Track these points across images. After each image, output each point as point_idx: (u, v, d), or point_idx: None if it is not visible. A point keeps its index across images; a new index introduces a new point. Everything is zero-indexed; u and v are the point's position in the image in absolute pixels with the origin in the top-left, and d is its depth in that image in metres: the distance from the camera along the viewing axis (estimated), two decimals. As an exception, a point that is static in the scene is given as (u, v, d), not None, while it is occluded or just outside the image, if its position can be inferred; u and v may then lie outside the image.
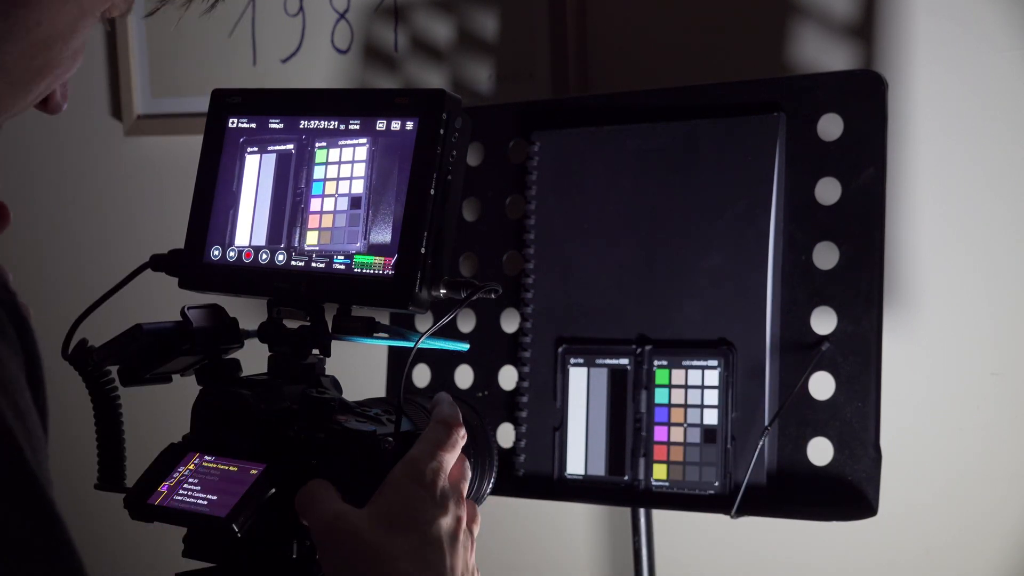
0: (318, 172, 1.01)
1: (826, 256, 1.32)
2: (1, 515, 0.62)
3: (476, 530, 0.97)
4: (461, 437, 0.96)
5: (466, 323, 1.53)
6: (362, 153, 1.00)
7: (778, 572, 1.61)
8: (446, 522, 0.91)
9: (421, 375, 1.55)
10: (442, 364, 1.53)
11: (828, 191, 1.32)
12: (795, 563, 1.59)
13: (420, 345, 0.97)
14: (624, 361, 1.40)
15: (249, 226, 1.03)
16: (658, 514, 1.47)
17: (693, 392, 1.36)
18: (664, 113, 1.41)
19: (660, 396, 1.38)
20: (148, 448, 1.01)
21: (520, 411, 1.46)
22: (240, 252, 1.03)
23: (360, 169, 1.00)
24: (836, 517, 1.30)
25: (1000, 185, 1.44)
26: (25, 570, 0.62)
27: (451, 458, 0.95)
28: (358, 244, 0.98)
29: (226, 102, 1.06)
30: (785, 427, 1.33)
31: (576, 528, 1.75)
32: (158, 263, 1.05)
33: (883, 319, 1.29)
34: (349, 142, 1.01)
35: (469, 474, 0.97)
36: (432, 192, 0.96)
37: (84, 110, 2.17)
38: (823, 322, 1.32)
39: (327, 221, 1.00)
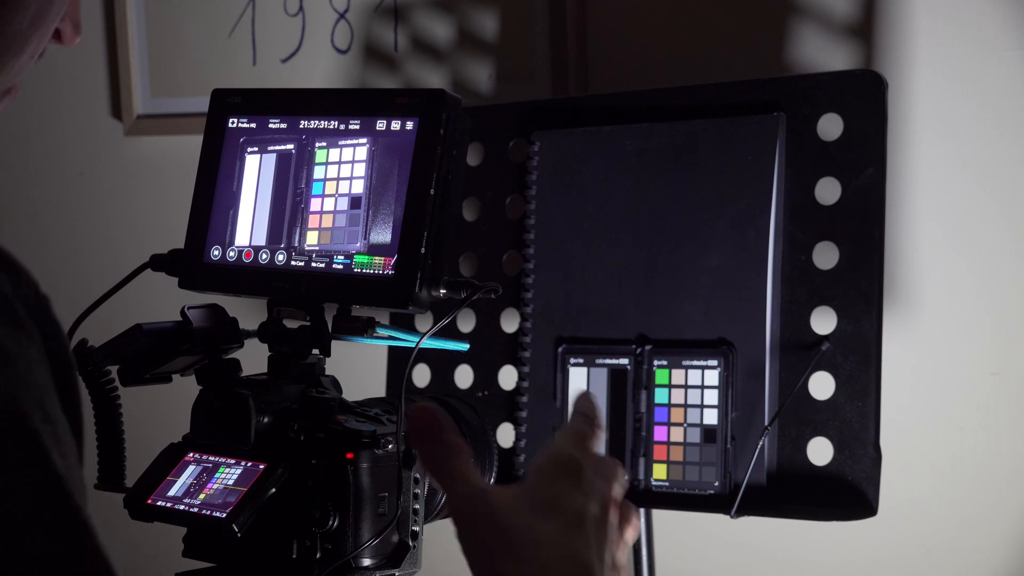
0: (318, 172, 1.01)
1: (826, 256, 1.32)
2: (25, 519, 0.62)
3: (631, 535, 0.89)
4: (601, 427, 0.90)
5: (466, 323, 1.53)
6: (362, 153, 1.00)
7: (778, 572, 1.61)
8: (592, 510, 0.85)
9: (421, 375, 1.55)
10: (442, 364, 1.53)
11: (828, 191, 1.32)
12: (795, 563, 1.59)
13: (420, 345, 0.97)
14: (624, 361, 1.40)
15: (249, 226, 1.03)
16: (658, 514, 1.47)
17: (693, 392, 1.36)
18: (664, 113, 1.41)
19: (660, 396, 1.38)
20: (148, 448, 1.01)
21: (520, 411, 1.46)
22: (240, 252, 1.03)
23: (360, 169, 1.00)
24: (836, 517, 1.29)
25: (1000, 185, 1.44)
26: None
27: (597, 444, 0.89)
28: (358, 244, 0.98)
29: (226, 102, 1.06)
30: (785, 427, 1.32)
31: (576, 528, 1.75)
32: (158, 263, 1.05)
33: (883, 319, 1.29)
34: (349, 142, 1.01)
35: (624, 478, 0.90)
36: (432, 192, 0.96)
37: (84, 110, 2.17)
38: (823, 322, 1.32)
39: (327, 221, 1.00)
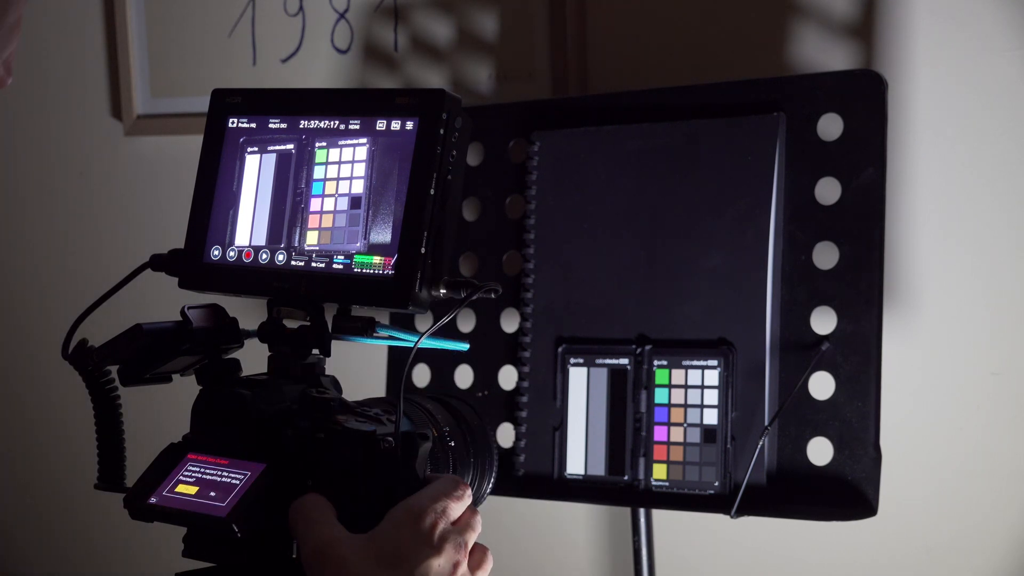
0: (318, 172, 1.02)
1: (826, 256, 1.32)
2: None
3: None
4: (468, 495, 0.95)
5: (466, 323, 1.53)
6: (362, 153, 1.00)
7: (778, 572, 1.61)
8: (438, 564, 0.90)
9: (421, 375, 1.55)
10: (442, 364, 1.53)
11: (828, 191, 1.32)
12: (795, 563, 1.59)
13: (420, 345, 0.97)
14: (624, 361, 1.40)
15: (249, 226, 1.03)
16: (658, 514, 1.47)
17: (693, 392, 1.36)
18: (664, 113, 1.41)
19: (660, 396, 1.38)
20: (148, 448, 1.01)
21: (520, 411, 1.46)
22: (240, 252, 1.03)
23: (360, 169, 1.00)
24: (836, 517, 1.30)
25: (1000, 185, 1.44)
26: None
27: (457, 507, 0.93)
28: (358, 244, 0.98)
29: (226, 102, 1.06)
30: (785, 427, 1.33)
31: (576, 528, 1.75)
32: (158, 263, 1.05)
33: (883, 319, 1.29)
34: (349, 142, 1.01)
35: (478, 528, 0.95)
36: (432, 192, 0.96)
37: (84, 110, 2.17)
38: (823, 322, 1.32)
39: (327, 221, 1.00)
